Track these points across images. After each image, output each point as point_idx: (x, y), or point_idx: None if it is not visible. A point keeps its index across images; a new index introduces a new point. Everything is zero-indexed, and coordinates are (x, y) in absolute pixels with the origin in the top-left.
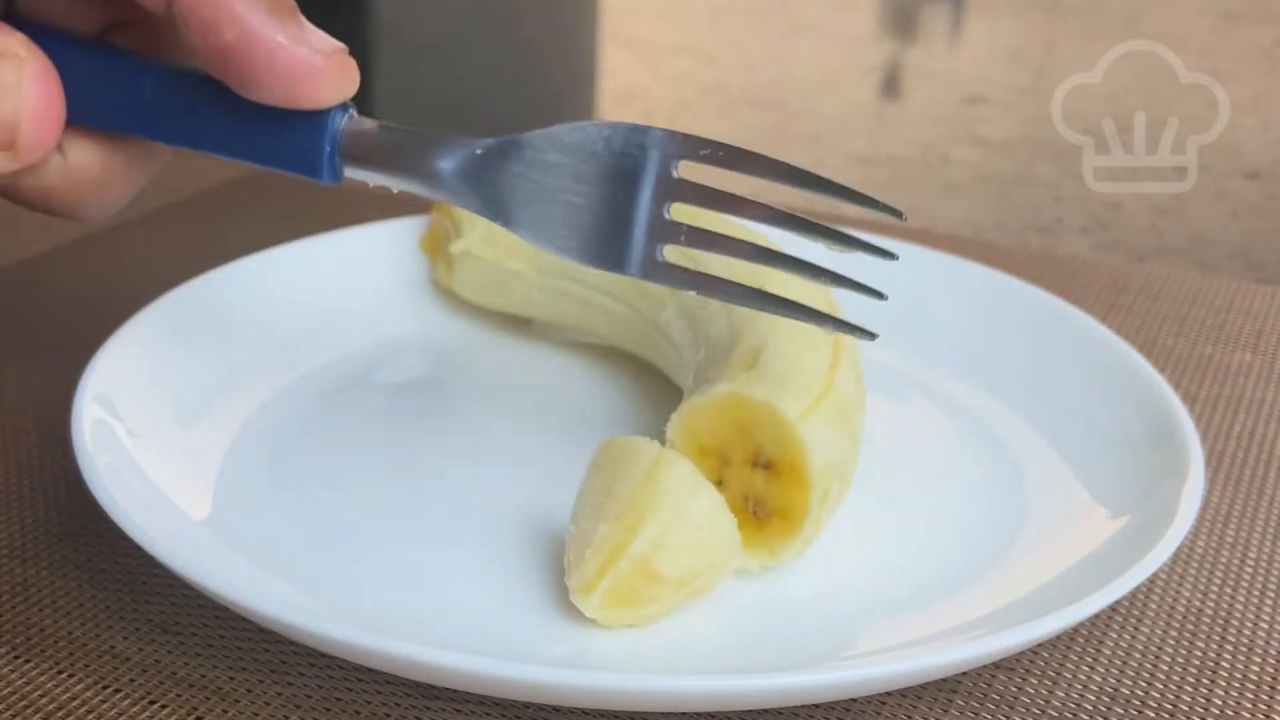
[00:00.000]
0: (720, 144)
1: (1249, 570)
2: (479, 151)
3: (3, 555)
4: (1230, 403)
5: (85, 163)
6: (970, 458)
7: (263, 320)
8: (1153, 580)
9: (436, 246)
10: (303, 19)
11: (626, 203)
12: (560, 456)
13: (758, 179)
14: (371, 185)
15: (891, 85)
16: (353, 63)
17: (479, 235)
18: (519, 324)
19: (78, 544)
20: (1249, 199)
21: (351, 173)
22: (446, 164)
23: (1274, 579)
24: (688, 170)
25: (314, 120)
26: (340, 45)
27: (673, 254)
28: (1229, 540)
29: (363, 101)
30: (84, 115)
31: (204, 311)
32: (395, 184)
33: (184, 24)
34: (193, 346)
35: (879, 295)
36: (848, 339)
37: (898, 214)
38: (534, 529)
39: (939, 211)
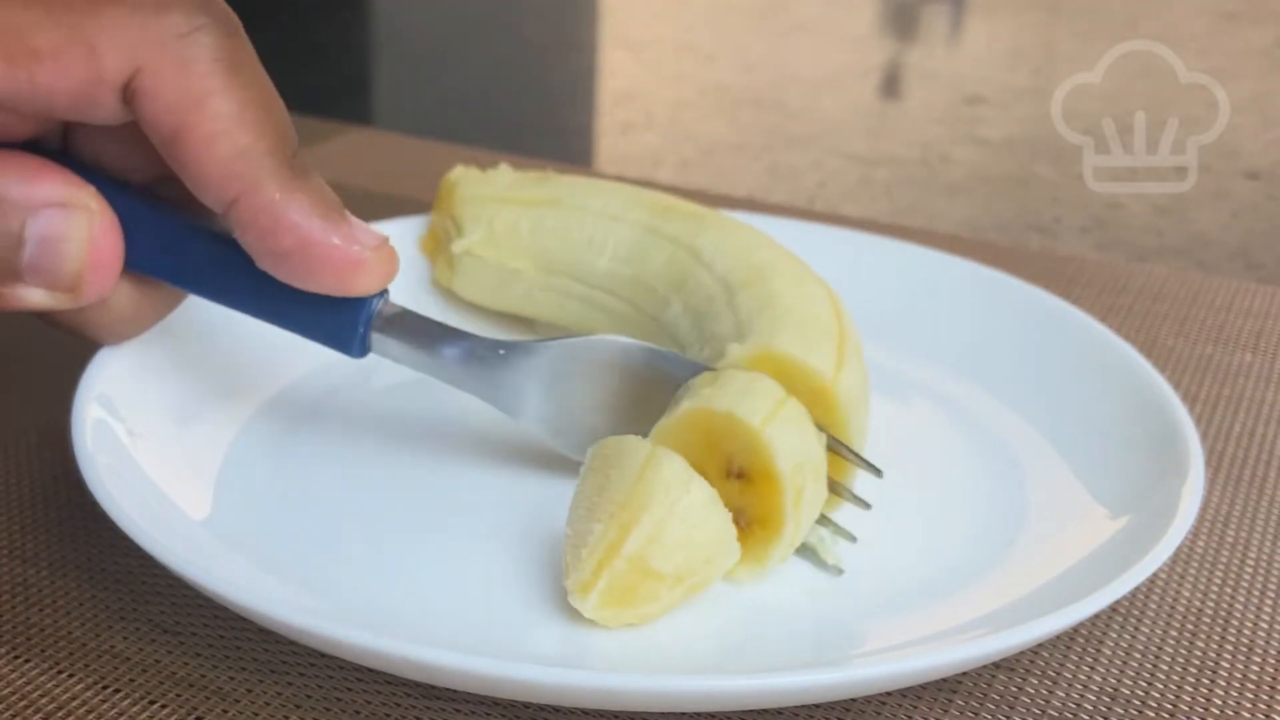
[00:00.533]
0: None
1: (1249, 570)
2: (500, 352)
3: (3, 555)
4: (1230, 403)
5: (123, 302)
6: (970, 458)
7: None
8: (1153, 580)
9: (437, 247)
10: (349, 215)
11: (640, 422)
12: (560, 457)
13: None
14: (392, 362)
15: (891, 85)
16: (395, 251)
17: (480, 235)
18: (520, 324)
19: (78, 544)
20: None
21: (377, 348)
22: (463, 355)
23: (1274, 579)
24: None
25: (353, 303)
26: (384, 236)
27: None
28: (1229, 540)
29: (363, 101)
30: (134, 263)
31: (204, 312)
32: (414, 366)
33: (241, 228)
34: (193, 346)
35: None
36: (853, 336)
37: (877, 472)
38: (534, 529)
39: (939, 211)
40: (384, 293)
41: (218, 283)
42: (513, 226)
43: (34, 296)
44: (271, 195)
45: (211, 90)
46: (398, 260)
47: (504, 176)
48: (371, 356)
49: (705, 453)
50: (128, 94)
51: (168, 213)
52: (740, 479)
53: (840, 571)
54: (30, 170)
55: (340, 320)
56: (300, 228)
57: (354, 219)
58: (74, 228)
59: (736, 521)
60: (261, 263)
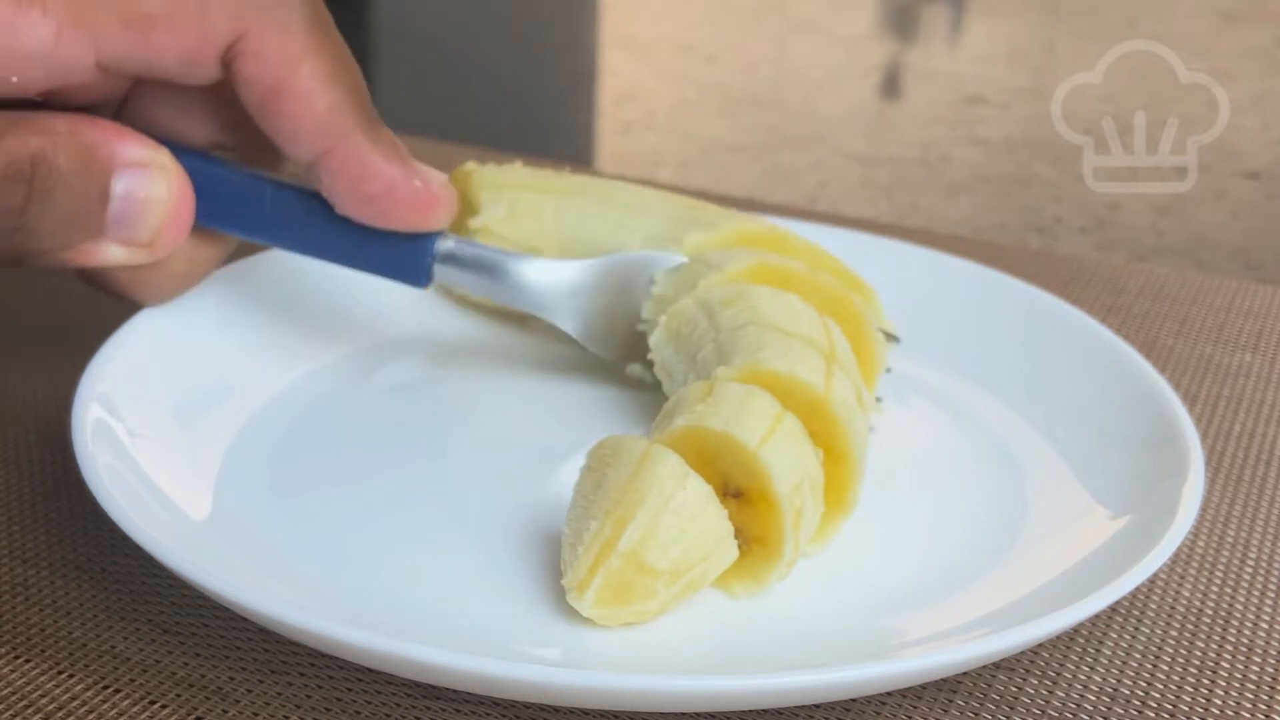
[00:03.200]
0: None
1: (1249, 570)
2: (546, 269)
3: (3, 555)
4: (1230, 403)
5: (177, 258)
6: (970, 458)
7: (263, 320)
8: (1153, 580)
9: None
10: (412, 158)
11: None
12: (560, 457)
13: None
14: (455, 290)
15: (891, 85)
16: (455, 190)
17: (502, 212)
18: (519, 324)
19: (78, 544)
20: (1249, 199)
21: (440, 277)
22: (518, 275)
23: (1274, 579)
24: None
25: (420, 238)
26: (444, 175)
27: None
28: (1229, 540)
29: None
30: (204, 218)
31: (204, 311)
32: (472, 290)
33: (331, 176)
34: (193, 346)
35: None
36: (841, 349)
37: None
38: (534, 529)
39: (939, 211)
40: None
41: (288, 230)
42: (536, 208)
43: (112, 252)
44: (361, 145)
45: (308, 50)
46: (456, 195)
47: (521, 170)
48: (372, 356)
49: (701, 470)
50: (228, 55)
51: (232, 169)
52: (737, 498)
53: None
54: (113, 132)
55: (409, 255)
56: (386, 173)
57: (417, 161)
58: (156, 186)
59: (734, 540)
60: (345, 207)
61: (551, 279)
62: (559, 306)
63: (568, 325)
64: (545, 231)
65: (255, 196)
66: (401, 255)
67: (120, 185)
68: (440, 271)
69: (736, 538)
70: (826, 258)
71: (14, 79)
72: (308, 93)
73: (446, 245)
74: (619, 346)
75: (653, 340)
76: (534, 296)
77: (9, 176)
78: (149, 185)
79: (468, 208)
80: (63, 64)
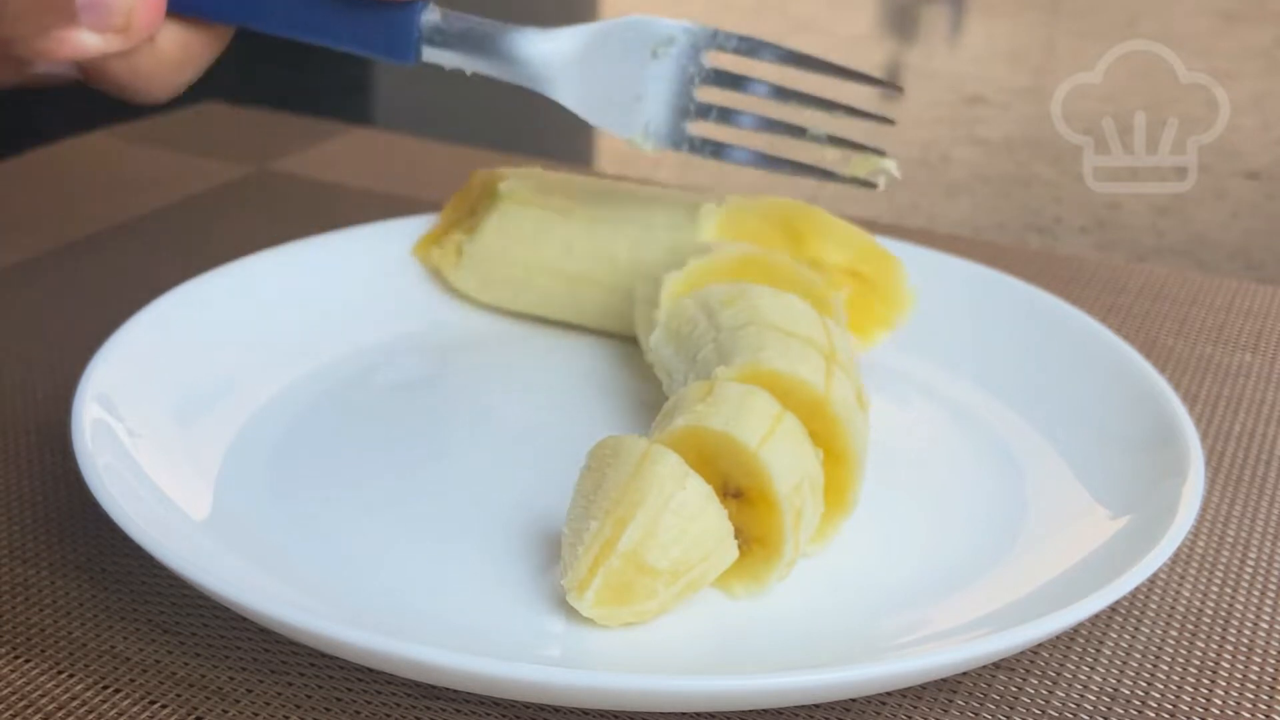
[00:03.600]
0: (738, 36)
1: (1249, 570)
2: (536, 38)
3: (3, 555)
4: (1230, 403)
5: (169, 46)
6: (970, 458)
7: (262, 320)
8: (1153, 580)
9: (437, 245)
10: None
11: (664, 86)
12: (560, 457)
13: (771, 65)
14: (447, 67)
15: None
16: None
17: (534, 183)
18: (518, 325)
19: (78, 544)
20: (1249, 199)
21: (429, 55)
22: (510, 46)
23: (1274, 579)
24: (714, 59)
25: (405, 10)
26: None
27: (697, 129)
28: (1229, 540)
29: (363, 101)
30: (184, 4)
31: (204, 311)
32: (467, 65)
33: None
34: (193, 346)
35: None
36: (841, 349)
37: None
38: (534, 529)
39: (939, 211)
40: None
41: (274, 10)
42: (565, 182)
43: (87, 40)
44: None
45: None
46: None
47: (543, 173)
48: (371, 356)
49: (701, 470)
50: None
51: None
52: (737, 498)
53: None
54: None
55: (393, 28)
56: None
57: None
58: None
59: (734, 540)
60: None
61: (545, 48)
62: (554, 77)
63: (564, 97)
64: (578, 197)
65: None
66: (387, 26)
67: None
68: (429, 51)
69: (736, 538)
70: (856, 233)
71: None
72: None
73: (432, 17)
74: (617, 115)
75: (652, 340)
76: (527, 68)
77: None
78: None
79: (485, 195)
80: None
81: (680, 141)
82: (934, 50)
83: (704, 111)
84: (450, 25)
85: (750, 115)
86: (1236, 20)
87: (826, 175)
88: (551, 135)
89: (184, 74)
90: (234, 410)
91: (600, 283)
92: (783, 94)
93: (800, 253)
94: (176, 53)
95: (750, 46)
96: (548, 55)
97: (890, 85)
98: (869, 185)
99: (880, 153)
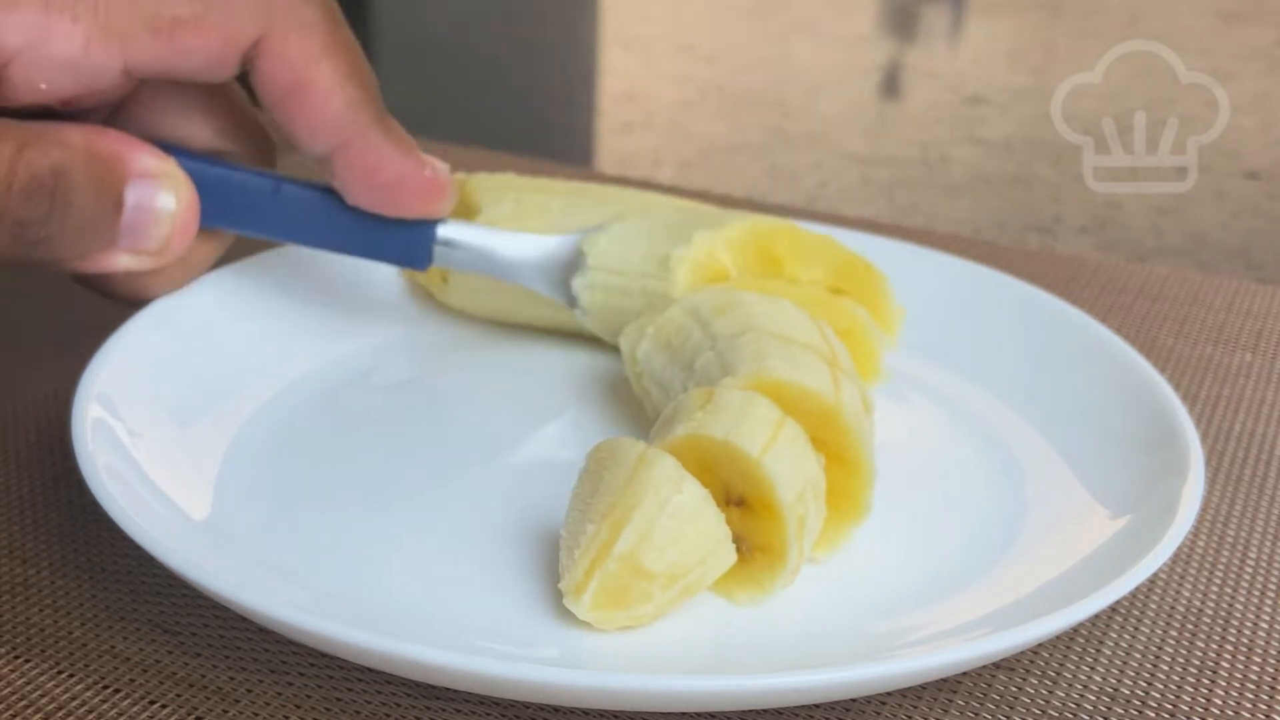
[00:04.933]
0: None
1: (1249, 570)
2: (546, 246)
3: (3, 555)
4: (1230, 403)
5: (174, 262)
6: (970, 458)
7: (262, 320)
8: (1153, 580)
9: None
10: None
11: None
12: (559, 458)
13: None
14: (454, 270)
15: (891, 85)
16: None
17: (508, 208)
18: (515, 327)
19: (78, 544)
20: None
21: (439, 260)
22: (510, 253)
23: (1274, 579)
24: None
25: (422, 224)
26: (447, 165)
27: None
28: (1229, 540)
29: None
30: (207, 219)
31: (204, 311)
32: (474, 270)
33: (346, 168)
34: (193, 346)
35: None
36: (840, 353)
37: None
38: (534, 530)
39: (939, 211)
40: None
41: (296, 224)
42: (542, 206)
43: (121, 260)
44: (375, 139)
45: (327, 49)
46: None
47: (516, 177)
48: (370, 357)
49: (702, 478)
50: (249, 54)
51: (235, 169)
52: (740, 506)
53: None
54: (124, 142)
55: (412, 241)
56: (399, 164)
57: (424, 153)
58: (166, 196)
59: (737, 548)
60: (358, 198)
61: (543, 253)
62: (552, 280)
63: (562, 298)
64: (553, 228)
65: (259, 195)
66: (405, 240)
67: (132, 195)
68: (439, 254)
69: (739, 546)
70: (836, 248)
71: (43, 86)
72: (327, 90)
73: (447, 229)
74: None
75: (640, 352)
76: (526, 272)
77: (33, 191)
78: (159, 195)
79: (465, 211)
80: (91, 71)
81: None
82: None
83: None
84: (461, 235)
85: None
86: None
87: None
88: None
89: (178, 284)
90: (234, 410)
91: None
92: None
93: (779, 275)
94: (178, 267)
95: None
96: (544, 260)
97: None
98: None
99: None
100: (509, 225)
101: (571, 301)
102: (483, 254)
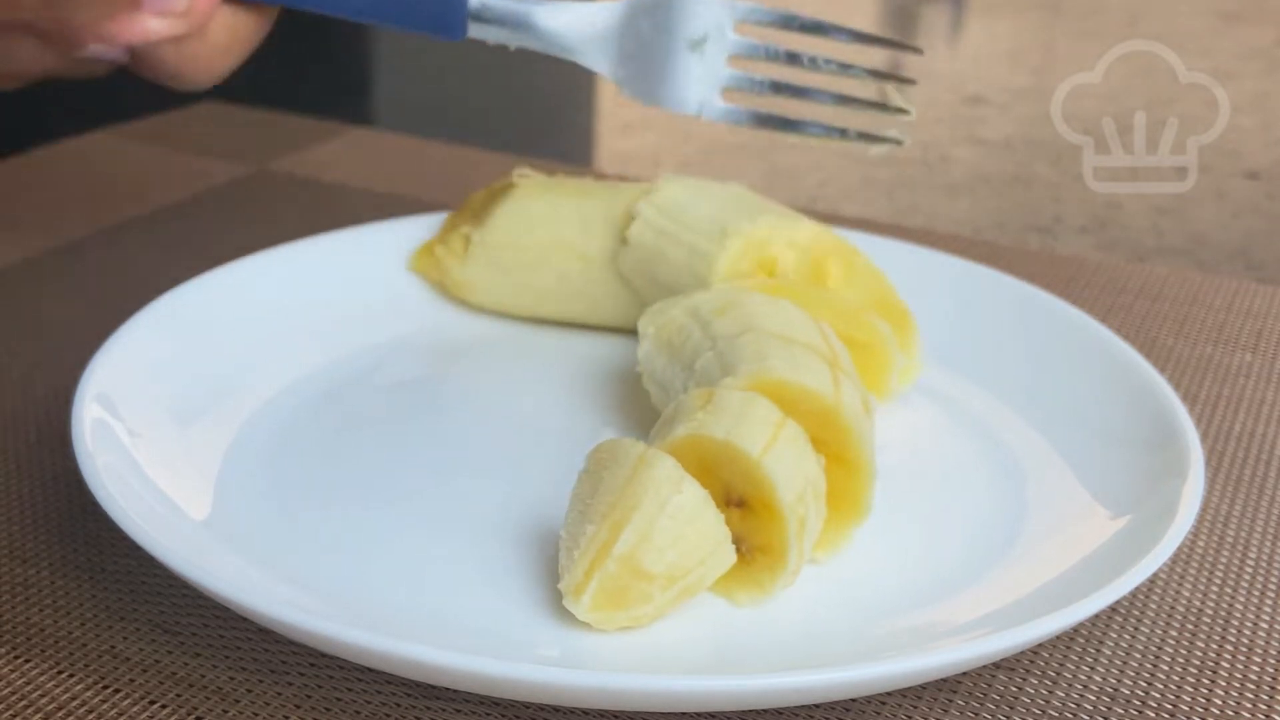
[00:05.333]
0: (762, 10)
1: (1249, 570)
2: (580, 11)
3: (3, 555)
4: (1230, 403)
5: (219, 30)
6: (970, 458)
7: (263, 320)
8: (1153, 580)
9: (435, 260)
10: None
11: (697, 58)
12: (560, 458)
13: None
14: (491, 42)
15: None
16: None
17: (541, 178)
18: (518, 326)
19: (78, 544)
20: (1249, 199)
21: (474, 31)
22: (548, 21)
23: (1274, 579)
24: (743, 30)
25: None
26: None
27: (730, 98)
28: (1229, 540)
29: (361, 101)
30: None
31: (204, 311)
32: (510, 40)
33: None
34: (193, 346)
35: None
36: (841, 354)
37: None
38: (534, 530)
39: (939, 211)
40: None
41: None
42: (580, 186)
43: (150, 24)
44: None
45: None
46: None
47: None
48: (371, 357)
49: (702, 479)
50: None
51: None
52: (740, 507)
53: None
54: None
55: (445, 6)
56: None
57: None
58: None
59: (738, 549)
60: None
61: (581, 24)
62: (590, 49)
63: (601, 67)
64: (586, 191)
65: None
66: (437, 5)
67: None
68: (474, 27)
69: (740, 547)
70: (884, 284)
71: None
72: None
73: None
74: (652, 87)
75: (642, 352)
76: (565, 41)
77: None
78: None
79: (491, 194)
80: None
81: (731, 114)
82: (934, 50)
83: (739, 83)
84: (495, 2)
85: (784, 84)
86: (1236, 20)
87: (867, 137)
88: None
89: (230, 58)
90: (234, 410)
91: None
92: (807, 62)
93: (820, 285)
94: (225, 36)
95: (777, 19)
96: (584, 30)
97: (911, 46)
98: (894, 142)
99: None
100: (540, 194)
101: (617, 74)
102: (519, 20)
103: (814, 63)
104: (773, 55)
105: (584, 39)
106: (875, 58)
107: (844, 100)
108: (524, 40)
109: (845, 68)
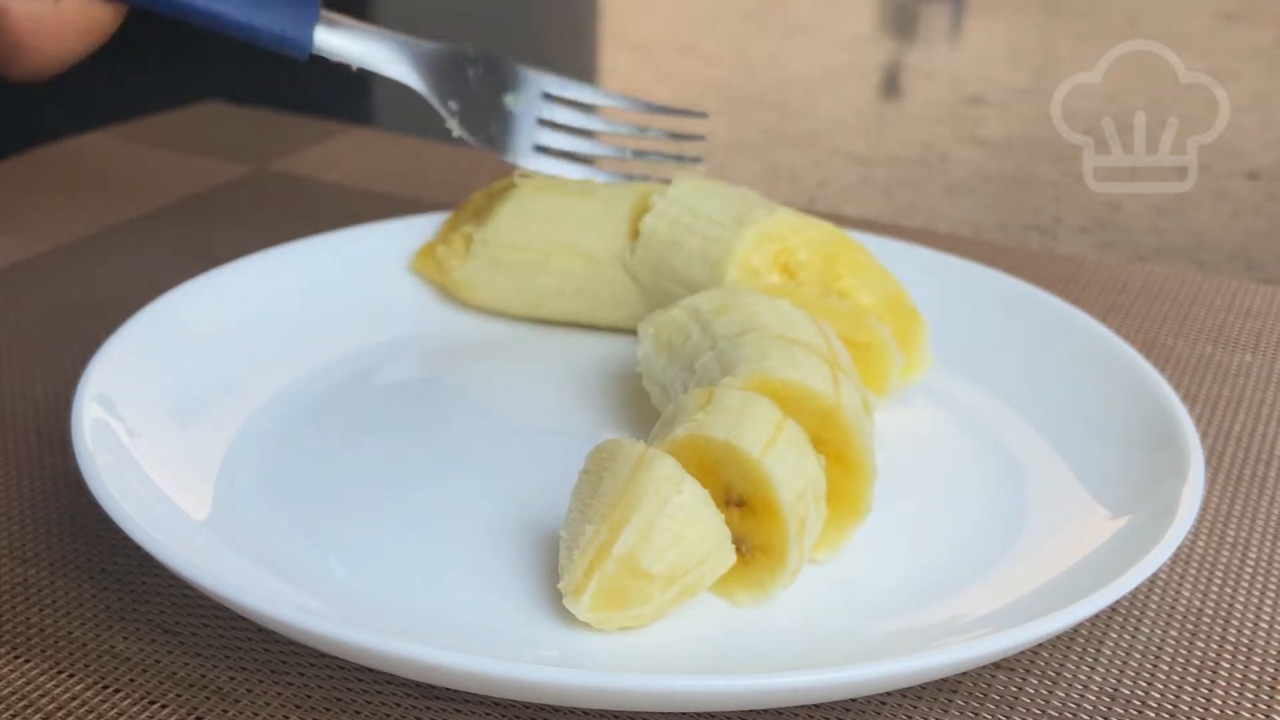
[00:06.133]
0: (574, 89)
1: (1249, 570)
2: (426, 47)
3: (3, 555)
4: (1230, 403)
5: (73, 8)
6: (970, 458)
7: (263, 320)
8: (1153, 580)
9: (436, 258)
10: None
11: (517, 110)
12: (560, 458)
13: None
14: (333, 60)
15: (891, 85)
16: None
17: (544, 176)
18: (519, 327)
19: (78, 544)
20: (1249, 199)
21: (320, 45)
22: (395, 48)
23: (1274, 579)
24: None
25: (306, 4)
26: None
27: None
28: (1229, 540)
29: (363, 101)
30: None
31: (204, 311)
32: (355, 62)
33: None
34: (193, 346)
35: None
36: (841, 354)
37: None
38: (535, 529)
39: (939, 211)
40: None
41: None
42: (581, 185)
43: None
44: None
45: None
46: None
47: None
48: (370, 357)
49: (702, 479)
50: None
51: None
52: (740, 507)
53: None
54: None
55: (293, 20)
56: None
57: None
58: None
59: (738, 549)
60: None
61: (421, 55)
62: (427, 83)
63: (435, 102)
64: (592, 188)
65: None
66: (286, 19)
67: None
68: (321, 38)
69: (740, 546)
70: (894, 285)
71: None
72: None
73: (328, 15)
74: (480, 129)
75: (642, 353)
76: (402, 69)
77: None
78: None
79: (498, 188)
80: None
81: (530, 156)
82: (934, 50)
83: (548, 139)
84: (343, 20)
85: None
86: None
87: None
88: None
89: (82, 42)
90: (234, 410)
91: (620, 261)
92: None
93: (830, 285)
94: (78, 17)
95: (583, 94)
96: (417, 63)
97: (696, 113)
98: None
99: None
100: (544, 184)
101: (449, 111)
102: (363, 41)
103: (612, 127)
104: (575, 128)
105: (417, 69)
106: (870, 58)
107: (640, 154)
108: (366, 60)
109: (641, 130)
